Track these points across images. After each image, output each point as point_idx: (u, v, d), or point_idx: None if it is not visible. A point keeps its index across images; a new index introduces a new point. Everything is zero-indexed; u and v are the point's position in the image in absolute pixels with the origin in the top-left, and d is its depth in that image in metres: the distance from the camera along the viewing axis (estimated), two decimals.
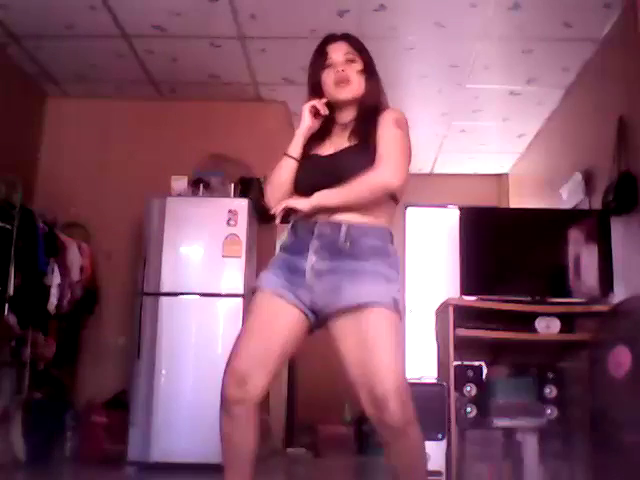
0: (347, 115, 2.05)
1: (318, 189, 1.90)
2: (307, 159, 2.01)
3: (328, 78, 2.03)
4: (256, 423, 1.88)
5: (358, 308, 1.81)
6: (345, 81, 2.01)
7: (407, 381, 1.84)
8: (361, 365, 1.79)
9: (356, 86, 2.02)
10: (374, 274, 1.85)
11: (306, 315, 1.90)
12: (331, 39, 2.09)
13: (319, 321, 1.91)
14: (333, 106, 2.05)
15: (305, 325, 1.91)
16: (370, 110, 2.02)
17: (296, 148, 2.02)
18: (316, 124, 2.05)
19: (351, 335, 1.82)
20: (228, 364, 1.87)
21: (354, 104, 2.04)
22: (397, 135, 1.95)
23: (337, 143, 2.01)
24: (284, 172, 2.01)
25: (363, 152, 1.93)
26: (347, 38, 2.09)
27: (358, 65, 2.04)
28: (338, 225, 1.89)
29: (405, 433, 1.77)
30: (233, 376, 1.84)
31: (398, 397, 1.75)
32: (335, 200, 1.89)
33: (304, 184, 1.97)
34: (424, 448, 1.89)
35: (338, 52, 2.04)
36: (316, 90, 2.05)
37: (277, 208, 1.91)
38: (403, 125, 1.98)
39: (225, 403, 1.86)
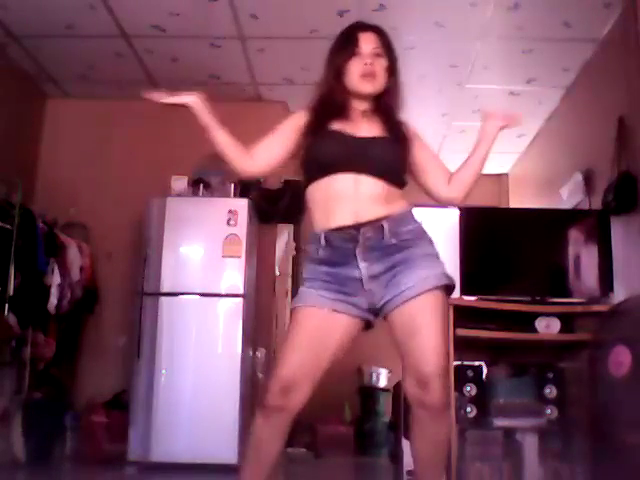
0: (363, 104, 2.05)
1: (349, 165, 1.92)
2: (332, 134, 1.98)
3: (354, 68, 2.01)
4: (287, 431, 1.91)
5: (416, 297, 1.86)
6: (372, 75, 2.00)
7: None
8: (410, 347, 1.85)
9: (380, 82, 2.03)
10: (425, 257, 1.92)
11: (362, 318, 1.93)
12: (362, 27, 2.08)
13: (377, 316, 1.94)
14: (348, 91, 2.04)
15: (359, 327, 1.95)
16: (388, 106, 2.05)
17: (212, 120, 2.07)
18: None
19: (405, 322, 1.87)
20: (274, 372, 1.88)
21: (372, 96, 2.05)
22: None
23: (366, 129, 2.00)
24: (224, 138, 2.07)
25: (398, 146, 2.00)
26: (378, 32, 2.08)
27: (384, 61, 2.04)
28: (379, 224, 1.90)
29: (443, 415, 1.86)
30: (278, 384, 1.86)
31: (440, 378, 1.82)
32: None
33: (334, 156, 1.95)
34: (449, 439, 1.99)
35: (368, 43, 2.03)
36: (338, 75, 2.03)
37: None
38: None
39: (266, 409, 1.87)
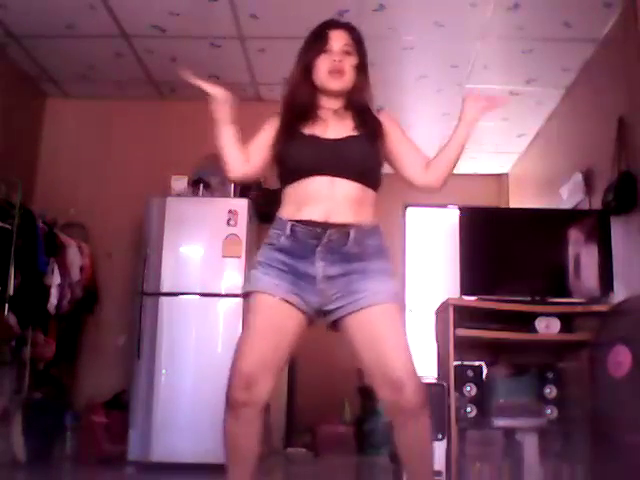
0: (334, 102, 2.05)
1: (324, 169, 1.92)
2: (304, 138, 1.99)
3: (323, 64, 2.03)
4: (261, 425, 1.90)
5: (371, 306, 1.87)
6: (340, 72, 2.02)
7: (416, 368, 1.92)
8: (376, 355, 1.86)
9: (348, 79, 2.03)
10: (381, 272, 1.93)
11: (309, 315, 1.93)
12: (333, 25, 2.10)
13: (324, 319, 1.95)
14: (318, 90, 2.05)
15: (306, 324, 1.95)
16: (360, 103, 2.05)
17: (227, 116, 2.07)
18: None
19: (365, 330, 1.88)
20: (234, 367, 1.87)
21: (341, 94, 2.05)
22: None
23: (337, 129, 2.00)
24: (230, 136, 2.10)
25: (371, 144, 1.99)
26: (349, 29, 2.10)
27: (353, 59, 2.05)
28: (346, 230, 1.91)
29: (420, 415, 1.85)
30: (240, 379, 1.85)
31: (413, 379, 1.83)
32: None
33: (307, 162, 1.95)
34: (431, 435, 1.96)
35: (338, 41, 2.04)
36: (307, 72, 2.05)
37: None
38: None
39: (232, 406, 1.87)
